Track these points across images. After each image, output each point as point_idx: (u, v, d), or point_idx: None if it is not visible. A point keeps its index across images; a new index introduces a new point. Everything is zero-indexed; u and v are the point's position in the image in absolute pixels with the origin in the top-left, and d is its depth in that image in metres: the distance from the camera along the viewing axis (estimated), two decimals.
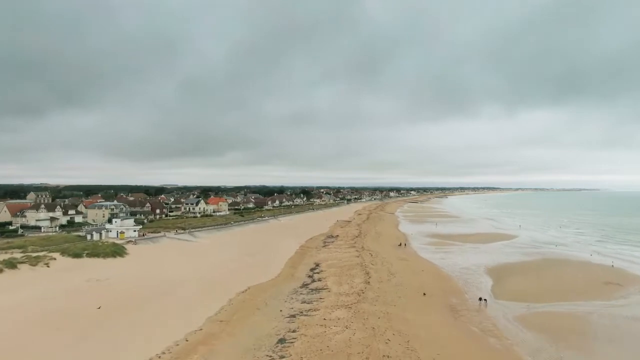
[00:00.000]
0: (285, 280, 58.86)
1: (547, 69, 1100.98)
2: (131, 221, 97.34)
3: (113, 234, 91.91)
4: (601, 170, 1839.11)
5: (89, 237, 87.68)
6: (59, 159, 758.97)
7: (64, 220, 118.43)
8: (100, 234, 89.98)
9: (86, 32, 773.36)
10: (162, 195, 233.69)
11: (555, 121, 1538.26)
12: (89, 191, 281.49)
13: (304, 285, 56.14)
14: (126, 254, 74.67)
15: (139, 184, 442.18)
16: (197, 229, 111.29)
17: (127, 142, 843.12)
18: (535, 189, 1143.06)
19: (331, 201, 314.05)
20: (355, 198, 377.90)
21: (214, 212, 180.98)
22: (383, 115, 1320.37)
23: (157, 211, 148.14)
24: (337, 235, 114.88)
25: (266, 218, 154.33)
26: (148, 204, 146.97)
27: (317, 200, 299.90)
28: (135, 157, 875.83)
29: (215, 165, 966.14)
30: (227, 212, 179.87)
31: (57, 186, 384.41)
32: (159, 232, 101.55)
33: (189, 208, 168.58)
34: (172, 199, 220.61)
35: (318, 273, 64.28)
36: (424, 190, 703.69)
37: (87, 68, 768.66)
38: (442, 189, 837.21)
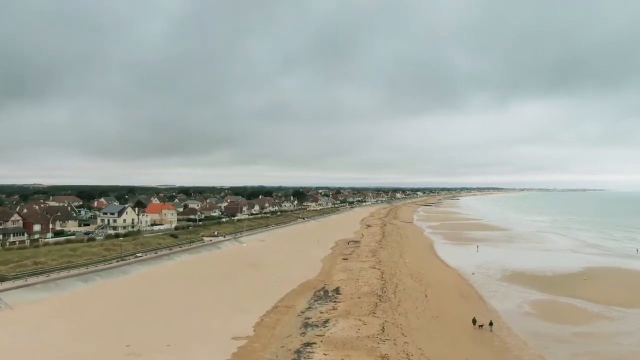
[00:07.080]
0: None
1: (542, 54, 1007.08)
2: None
3: None
4: (603, 170, 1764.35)
5: None
6: (36, 158, 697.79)
7: None
8: None
9: None
10: (102, 199, 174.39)
11: (552, 116, 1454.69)
12: (44, 192, 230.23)
13: None
14: None
15: (135, 184, 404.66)
16: (41, 277, 52.38)
17: (109, 140, 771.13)
18: (540, 189, 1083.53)
19: (329, 205, 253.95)
20: (358, 200, 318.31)
21: (154, 224, 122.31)
22: (377, 111, 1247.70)
23: (37, 228, 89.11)
24: (338, 290, 55.65)
25: (220, 239, 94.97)
26: (17, 216, 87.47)
27: (312, 205, 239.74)
28: (131, 156, 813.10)
29: (216, 165, 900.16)
30: (174, 225, 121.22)
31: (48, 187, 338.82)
32: None
33: (108, 220, 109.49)
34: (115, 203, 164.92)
35: None
36: (430, 191, 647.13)
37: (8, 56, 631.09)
38: (447, 190, 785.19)
